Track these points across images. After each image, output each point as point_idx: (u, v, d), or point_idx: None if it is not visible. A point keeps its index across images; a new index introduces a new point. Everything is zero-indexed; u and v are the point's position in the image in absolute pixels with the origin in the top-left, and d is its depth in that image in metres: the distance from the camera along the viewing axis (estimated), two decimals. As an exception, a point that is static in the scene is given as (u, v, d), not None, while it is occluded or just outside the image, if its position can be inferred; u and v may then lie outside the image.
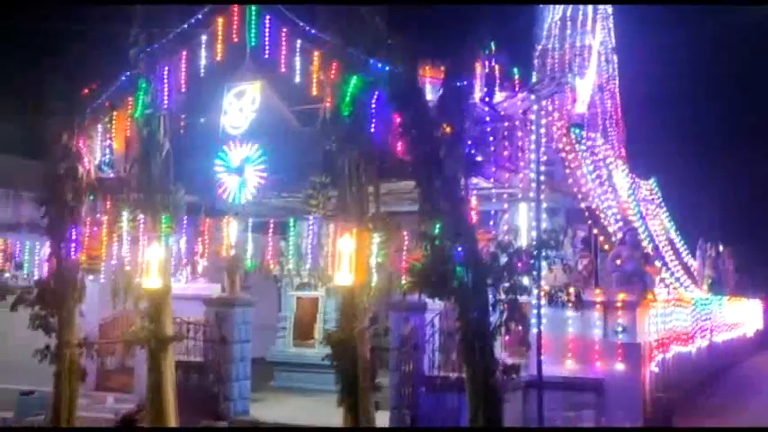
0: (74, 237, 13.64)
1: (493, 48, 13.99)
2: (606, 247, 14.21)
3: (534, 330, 13.06)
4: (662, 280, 17.84)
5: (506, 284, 11.31)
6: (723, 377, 22.87)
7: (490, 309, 11.28)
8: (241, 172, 12.88)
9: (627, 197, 19.72)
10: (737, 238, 38.94)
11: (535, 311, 13.00)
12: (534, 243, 11.82)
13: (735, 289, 33.29)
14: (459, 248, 11.27)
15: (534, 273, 12.72)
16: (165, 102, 13.38)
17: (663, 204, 24.99)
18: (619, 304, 13.58)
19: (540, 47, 29.83)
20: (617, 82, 30.56)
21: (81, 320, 15.48)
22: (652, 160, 29.53)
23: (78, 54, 13.70)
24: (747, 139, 47.14)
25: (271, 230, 12.71)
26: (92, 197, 13.90)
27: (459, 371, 12.13)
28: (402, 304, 12.96)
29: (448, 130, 11.47)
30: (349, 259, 11.79)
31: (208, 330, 14.69)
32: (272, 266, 12.86)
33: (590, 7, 30.01)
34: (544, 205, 13.59)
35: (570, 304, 11.79)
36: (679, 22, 38.84)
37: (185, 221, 13.25)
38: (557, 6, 30.91)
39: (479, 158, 11.87)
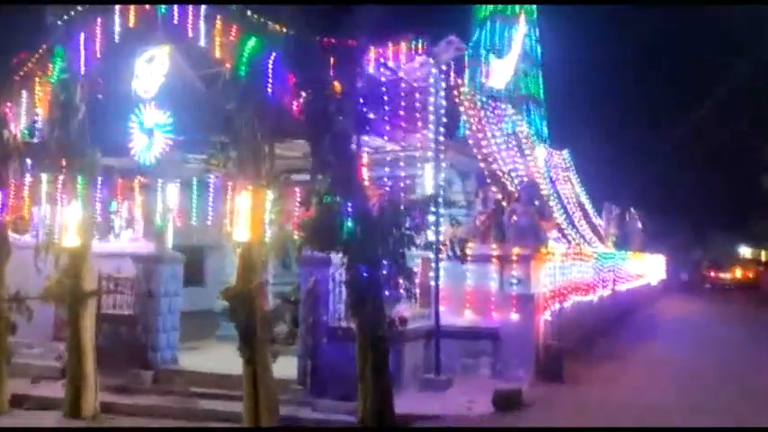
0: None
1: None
2: (504, 204, 12.12)
3: (432, 283, 11.09)
4: (565, 235, 15.86)
5: (394, 238, 9.29)
6: (626, 322, 21.05)
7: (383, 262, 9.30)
8: (151, 134, 10.65)
9: (539, 163, 17.69)
10: (646, 205, 37.37)
11: (434, 265, 11.02)
12: (425, 199, 9.76)
13: (640, 245, 31.57)
14: (349, 203, 9.24)
15: (433, 228, 10.69)
16: (82, 68, 11.13)
17: (575, 172, 22.99)
18: (514, 257, 11.55)
19: (474, 38, 27.76)
20: (540, 70, 28.38)
21: (37, 276, 13.49)
22: (571, 135, 27.51)
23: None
24: (662, 118, 45.20)
25: (178, 190, 10.69)
26: (18, 161, 11.68)
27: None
28: (308, 259, 10.87)
29: (338, 87, 9.35)
30: (246, 216, 9.70)
31: (136, 285, 12.55)
32: (179, 224, 10.87)
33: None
34: (444, 165, 11.53)
35: (452, 257, 9.76)
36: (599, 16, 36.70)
37: (100, 182, 11.01)
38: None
39: (371, 116, 9.72)
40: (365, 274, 9.13)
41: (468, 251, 11.75)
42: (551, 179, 18.51)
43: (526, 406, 9.42)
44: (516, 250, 11.49)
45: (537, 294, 11.73)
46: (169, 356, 12.61)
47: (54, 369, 13.19)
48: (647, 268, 31.56)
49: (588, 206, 23.06)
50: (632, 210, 33.81)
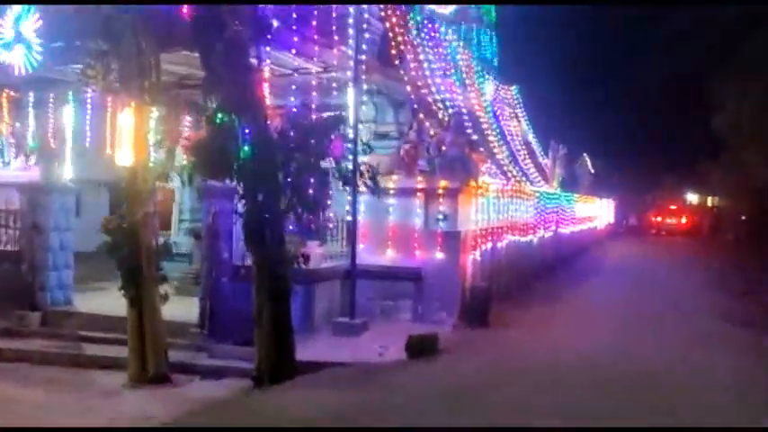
0: None
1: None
2: (432, 133, 11.04)
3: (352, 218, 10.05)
4: (504, 172, 14.95)
5: (297, 165, 8.16)
6: (568, 265, 20.54)
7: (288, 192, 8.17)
8: (19, 40, 9.10)
9: (482, 96, 16.62)
10: (597, 149, 36.92)
11: (351, 198, 9.96)
12: (335, 120, 8.58)
13: (589, 189, 31.18)
14: (245, 124, 8.02)
15: (350, 156, 9.55)
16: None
17: (523, 110, 22.00)
18: (440, 191, 10.55)
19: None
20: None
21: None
22: (523, 72, 26.35)
23: None
24: (614, 62, 44.31)
25: (52, 106, 9.24)
26: None
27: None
28: (208, 189, 9.68)
29: (231, -15, 7.97)
30: (129, 137, 8.41)
31: (21, 218, 11.17)
32: (54, 146, 9.47)
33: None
34: (364, 86, 10.32)
35: (365, 188, 8.71)
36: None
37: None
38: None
39: (274, 23, 8.40)
40: (263, 206, 8.03)
41: (392, 184, 10.76)
42: (495, 114, 17.49)
43: (441, 352, 8.59)
44: (443, 183, 10.50)
45: (465, 232, 10.83)
46: (61, 297, 11.40)
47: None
48: (595, 212, 31.27)
49: (535, 145, 22.24)
50: (585, 155, 33.28)
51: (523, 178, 16.83)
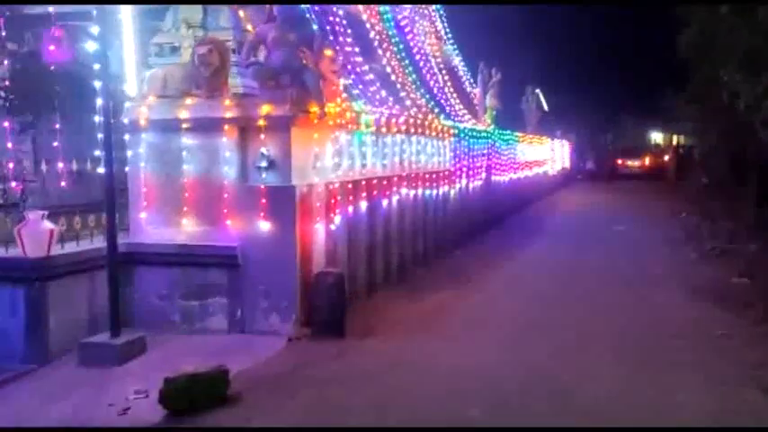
0: None
1: None
2: (249, 28, 7.32)
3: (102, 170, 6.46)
4: (400, 99, 11.37)
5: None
6: (504, 222, 17.30)
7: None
8: None
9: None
10: (549, 83, 33.84)
11: (102, 136, 6.37)
12: None
13: (538, 127, 28.03)
14: None
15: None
16: None
17: (446, 29, 18.38)
18: (261, 123, 6.93)
19: None
20: None
21: None
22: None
23: None
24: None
25: None
26: None
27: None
28: None
29: None
30: None
31: None
32: None
33: None
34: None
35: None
36: None
37: None
38: None
39: None
40: None
41: (185, 112, 7.12)
42: (399, 26, 13.85)
43: (231, 402, 5.17)
44: (266, 109, 6.87)
45: (308, 187, 7.25)
46: None
47: None
48: (546, 155, 28.20)
49: (464, 73, 18.73)
50: (537, 90, 29.98)
51: (437, 110, 13.32)
